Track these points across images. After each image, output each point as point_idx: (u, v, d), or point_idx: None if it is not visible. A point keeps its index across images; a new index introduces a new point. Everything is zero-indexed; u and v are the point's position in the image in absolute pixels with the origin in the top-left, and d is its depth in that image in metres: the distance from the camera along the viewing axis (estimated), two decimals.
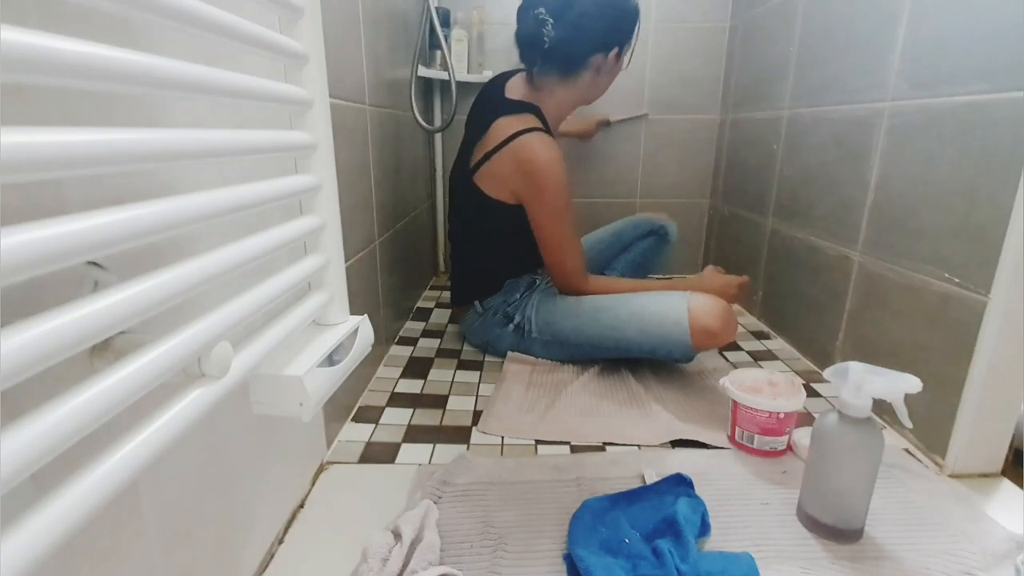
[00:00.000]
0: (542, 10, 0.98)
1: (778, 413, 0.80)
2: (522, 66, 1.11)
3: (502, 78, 1.16)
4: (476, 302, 1.18)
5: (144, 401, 0.29)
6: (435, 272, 1.87)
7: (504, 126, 1.04)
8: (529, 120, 1.05)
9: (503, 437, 0.89)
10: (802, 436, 0.81)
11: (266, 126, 0.45)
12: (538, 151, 1.01)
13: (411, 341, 1.30)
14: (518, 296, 1.16)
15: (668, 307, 1.00)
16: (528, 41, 1.03)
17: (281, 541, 0.66)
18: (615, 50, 1.04)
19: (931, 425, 0.82)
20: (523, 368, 1.13)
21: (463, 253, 1.21)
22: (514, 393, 1.03)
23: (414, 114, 1.37)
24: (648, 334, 1.01)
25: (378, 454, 0.85)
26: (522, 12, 1.03)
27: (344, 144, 0.88)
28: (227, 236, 0.39)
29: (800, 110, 1.24)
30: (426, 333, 1.35)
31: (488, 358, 1.21)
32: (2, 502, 0.23)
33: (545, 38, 1.00)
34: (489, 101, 1.13)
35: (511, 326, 1.15)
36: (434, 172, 1.79)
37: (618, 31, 1.03)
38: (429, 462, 0.82)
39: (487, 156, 1.05)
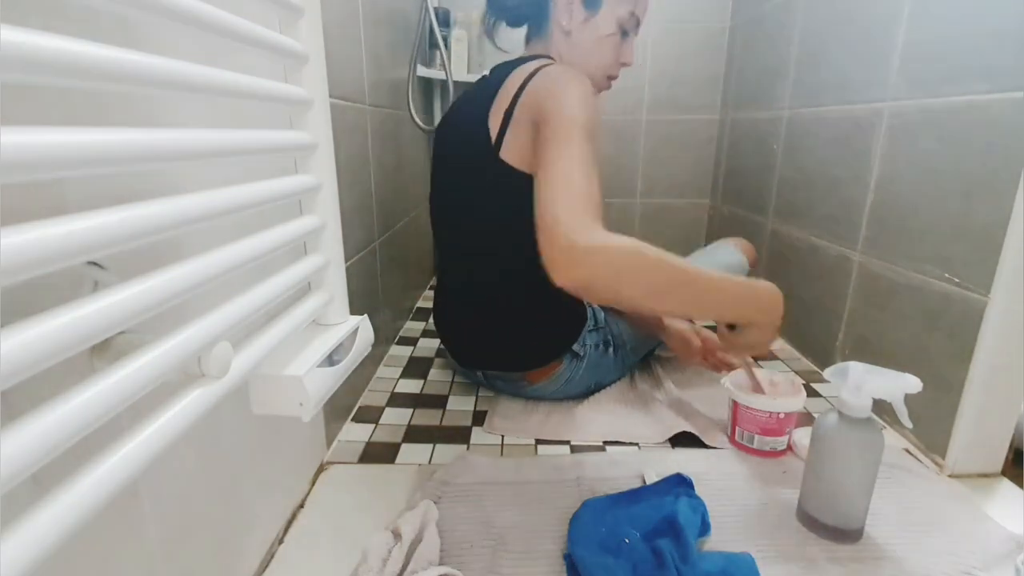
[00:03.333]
0: None
1: (778, 413, 0.80)
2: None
3: (504, 67, 0.89)
4: (576, 346, 0.94)
5: (144, 401, 0.29)
6: (435, 272, 1.87)
7: (520, 72, 0.80)
8: (549, 61, 0.84)
9: (503, 437, 0.89)
10: (802, 436, 0.81)
11: (266, 126, 0.45)
12: (562, 72, 0.76)
13: (411, 341, 1.30)
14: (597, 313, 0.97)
15: (724, 256, 1.15)
16: (498, 6, 0.94)
17: (281, 541, 0.66)
18: None
19: (931, 425, 0.82)
20: None
21: (522, 287, 0.87)
22: None
23: (411, 114, 1.37)
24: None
25: (378, 454, 0.85)
26: None
27: (344, 144, 0.88)
28: (227, 236, 0.39)
29: (800, 110, 1.24)
30: (426, 333, 1.35)
31: None
32: (2, 502, 0.23)
33: None
34: (489, 81, 0.88)
35: (610, 351, 0.96)
36: None
37: None
38: (429, 462, 0.82)
39: (508, 115, 0.78)
